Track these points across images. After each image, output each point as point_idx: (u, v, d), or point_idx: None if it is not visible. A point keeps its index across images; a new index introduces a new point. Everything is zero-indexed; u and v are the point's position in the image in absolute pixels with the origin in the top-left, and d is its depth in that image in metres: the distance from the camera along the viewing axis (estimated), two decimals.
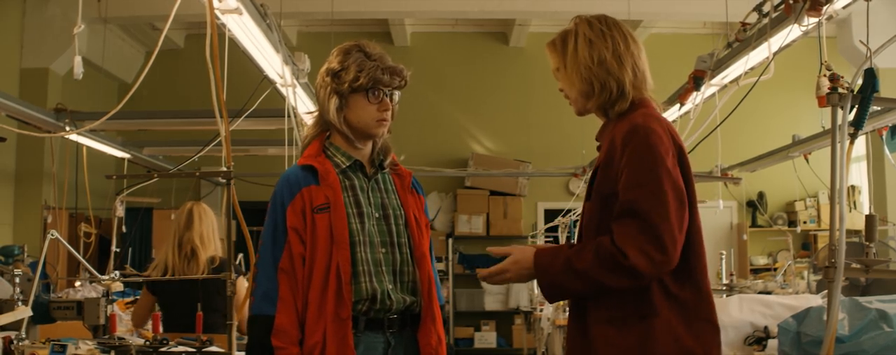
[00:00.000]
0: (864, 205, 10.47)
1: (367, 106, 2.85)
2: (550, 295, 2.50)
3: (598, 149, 2.60)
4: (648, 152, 2.31)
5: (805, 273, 6.60)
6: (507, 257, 2.52)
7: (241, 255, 5.86)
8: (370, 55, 2.86)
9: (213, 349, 4.15)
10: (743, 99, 4.37)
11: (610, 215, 2.36)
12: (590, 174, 2.54)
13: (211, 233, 5.03)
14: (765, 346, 3.99)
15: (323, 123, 2.93)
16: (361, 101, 2.85)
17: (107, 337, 4.21)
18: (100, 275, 4.69)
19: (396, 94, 2.91)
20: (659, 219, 2.27)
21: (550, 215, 10.84)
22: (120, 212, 6.66)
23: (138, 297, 6.28)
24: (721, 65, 5.05)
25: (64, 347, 3.83)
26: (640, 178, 2.30)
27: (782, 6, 4.04)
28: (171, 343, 4.13)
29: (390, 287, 2.82)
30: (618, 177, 2.35)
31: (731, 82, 5.30)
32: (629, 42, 2.53)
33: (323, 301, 2.72)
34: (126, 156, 7.45)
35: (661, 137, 2.34)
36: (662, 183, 2.29)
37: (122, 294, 6.49)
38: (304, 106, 5.61)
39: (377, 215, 2.87)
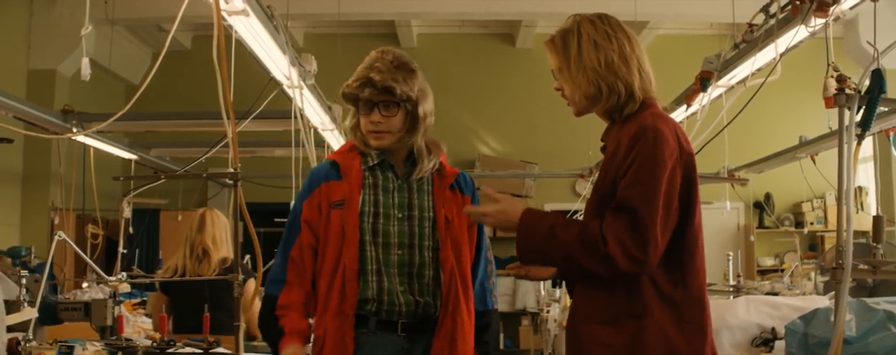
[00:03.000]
0: (872, 206, 10.43)
1: (362, 117, 2.89)
2: (524, 255, 2.50)
3: (603, 149, 2.59)
4: (653, 154, 2.31)
5: (812, 274, 6.58)
6: (498, 203, 2.51)
7: (248, 256, 5.87)
8: (370, 65, 2.86)
9: (221, 350, 4.16)
10: (750, 100, 4.36)
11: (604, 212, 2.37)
12: (596, 175, 2.53)
13: (223, 235, 5.07)
14: (772, 348, 3.98)
15: None
16: (360, 114, 2.90)
17: (114, 338, 4.22)
18: (107, 277, 4.71)
19: (400, 105, 2.85)
20: (649, 220, 2.27)
21: None
22: (127, 213, 6.68)
23: (146, 299, 6.31)
24: (728, 66, 5.04)
25: (71, 348, 3.84)
26: (640, 178, 2.30)
27: (789, 7, 4.03)
28: (178, 344, 4.14)
29: (401, 289, 2.80)
30: (619, 174, 2.34)
31: (738, 83, 5.29)
32: (633, 43, 2.50)
33: (328, 296, 2.78)
34: (133, 157, 7.46)
35: (668, 140, 2.33)
36: (659, 187, 2.29)
37: (130, 295, 6.50)
38: (310, 107, 5.61)
39: (400, 215, 2.87)
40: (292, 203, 2.95)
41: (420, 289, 2.83)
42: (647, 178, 2.29)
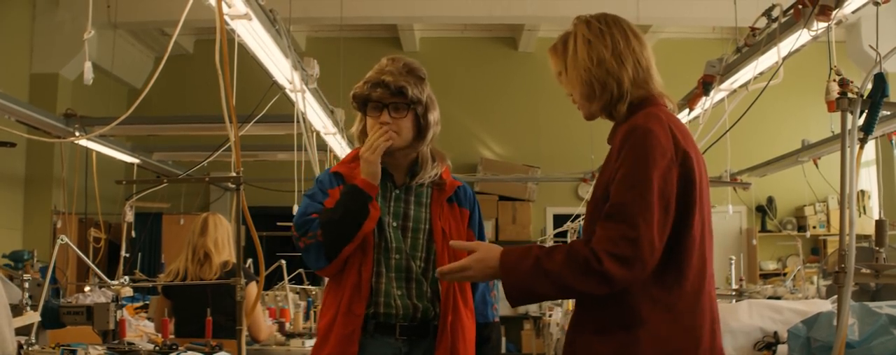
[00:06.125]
0: (874, 209, 10.43)
1: (370, 119, 2.88)
2: (514, 297, 2.31)
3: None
4: (642, 154, 2.23)
5: (815, 278, 6.57)
6: (472, 253, 2.39)
7: (250, 260, 5.88)
8: (381, 69, 2.88)
9: (223, 354, 4.15)
10: (752, 103, 4.37)
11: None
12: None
13: (225, 239, 5.06)
14: (775, 351, 3.98)
15: None
16: (368, 116, 2.89)
17: (116, 341, 4.22)
18: (109, 280, 4.70)
19: (411, 108, 2.85)
20: (643, 223, 2.18)
21: (559, 220, 10.82)
22: (129, 216, 6.67)
23: (148, 302, 6.31)
24: (730, 69, 5.05)
25: (74, 352, 3.84)
26: (630, 180, 2.22)
27: (791, 11, 4.03)
28: (180, 348, 4.14)
29: (399, 293, 2.81)
30: (611, 179, 2.28)
31: (741, 87, 5.29)
32: (630, 38, 2.43)
33: (339, 297, 2.78)
34: (135, 161, 7.48)
35: (658, 139, 2.25)
36: (652, 187, 2.20)
37: (132, 299, 6.50)
38: (313, 111, 5.61)
39: (394, 224, 2.87)
40: (298, 205, 2.89)
41: (418, 294, 2.83)
42: (637, 179, 2.22)
